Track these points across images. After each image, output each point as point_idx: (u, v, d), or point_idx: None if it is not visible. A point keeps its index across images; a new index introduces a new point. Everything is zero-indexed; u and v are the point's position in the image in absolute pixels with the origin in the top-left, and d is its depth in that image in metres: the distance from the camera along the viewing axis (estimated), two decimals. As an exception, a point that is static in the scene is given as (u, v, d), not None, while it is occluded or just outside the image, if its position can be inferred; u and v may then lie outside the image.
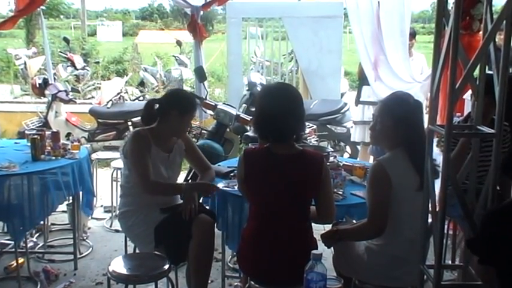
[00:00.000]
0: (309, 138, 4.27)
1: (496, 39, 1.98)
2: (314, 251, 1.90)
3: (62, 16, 28.20)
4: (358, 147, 6.08)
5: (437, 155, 2.33)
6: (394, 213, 2.44)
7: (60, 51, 11.36)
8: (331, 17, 7.32)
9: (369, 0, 4.95)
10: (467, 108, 4.54)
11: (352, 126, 5.96)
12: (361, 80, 5.68)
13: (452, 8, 1.87)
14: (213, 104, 4.88)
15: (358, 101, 5.76)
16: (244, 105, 5.94)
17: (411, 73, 5.13)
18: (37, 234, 4.39)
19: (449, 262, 3.41)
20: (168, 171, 3.16)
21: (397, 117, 2.51)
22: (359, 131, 5.78)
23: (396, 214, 2.45)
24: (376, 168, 2.49)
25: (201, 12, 5.82)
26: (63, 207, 4.49)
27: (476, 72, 2.01)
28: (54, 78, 6.74)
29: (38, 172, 3.46)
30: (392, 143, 2.55)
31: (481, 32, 4.31)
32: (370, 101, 5.59)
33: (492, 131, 1.92)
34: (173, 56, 12.26)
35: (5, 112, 8.12)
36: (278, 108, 2.41)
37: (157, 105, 3.17)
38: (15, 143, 4.29)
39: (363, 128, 5.71)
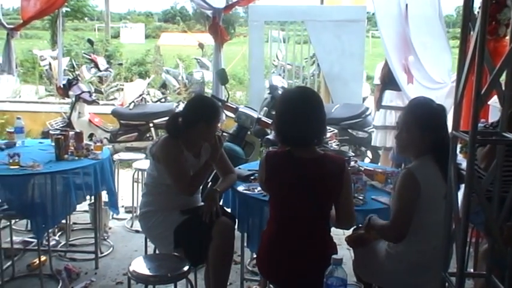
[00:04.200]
0: (330, 142, 4.24)
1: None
2: (334, 256, 1.88)
3: (86, 18, 28.57)
4: (380, 152, 6.03)
5: (463, 160, 2.29)
6: (421, 221, 2.40)
7: (84, 53, 11.50)
8: (354, 21, 7.29)
9: (397, 1, 4.91)
10: (492, 114, 4.46)
11: (373, 131, 5.91)
12: (384, 85, 5.62)
13: (478, 12, 1.84)
14: (234, 106, 4.89)
15: (379, 106, 5.71)
16: (265, 108, 5.93)
17: (442, 74, 5.06)
18: (59, 233, 4.46)
19: (472, 270, 3.36)
20: None
21: (421, 124, 2.47)
22: (380, 135, 5.71)
23: (423, 222, 2.41)
24: (407, 175, 2.45)
25: (223, 15, 5.83)
26: (85, 207, 4.55)
27: (503, 78, 1.98)
28: (78, 79, 6.82)
29: (61, 172, 3.51)
30: (419, 151, 2.51)
31: (507, 37, 4.23)
32: (391, 105, 5.54)
33: (517, 137, 1.89)
34: (195, 58, 12.32)
35: (30, 112, 8.25)
36: (298, 113, 2.40)
37: (180, 119, 3.15)
38: (40, 142, 4.36)
39: (384, 132, 5.65)
